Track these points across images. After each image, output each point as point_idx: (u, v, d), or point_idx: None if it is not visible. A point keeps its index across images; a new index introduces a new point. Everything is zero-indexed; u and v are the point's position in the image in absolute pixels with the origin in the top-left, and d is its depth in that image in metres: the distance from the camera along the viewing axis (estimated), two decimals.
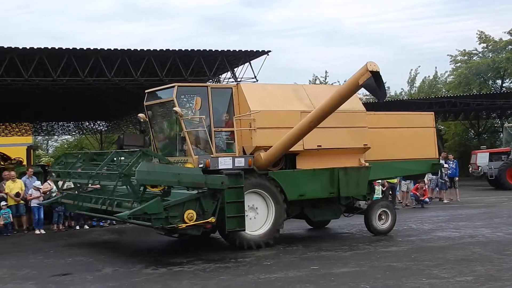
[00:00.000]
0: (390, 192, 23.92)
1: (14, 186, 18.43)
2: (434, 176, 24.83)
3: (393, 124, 16.17)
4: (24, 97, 25.77)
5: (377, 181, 22.63)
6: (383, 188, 23.30)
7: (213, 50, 22.15)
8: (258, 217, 13.90)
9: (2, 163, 26.34)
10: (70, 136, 58.94)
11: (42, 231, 18.01)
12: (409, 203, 24.19)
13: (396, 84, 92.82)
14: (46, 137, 62.09)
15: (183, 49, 21.77)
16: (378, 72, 12.03)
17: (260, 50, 22.73)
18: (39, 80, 21.05)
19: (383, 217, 15.81)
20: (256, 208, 13.88)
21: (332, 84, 49.74)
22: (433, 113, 17.68)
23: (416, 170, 16.99)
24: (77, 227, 18.79)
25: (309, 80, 51.08)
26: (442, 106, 37.11)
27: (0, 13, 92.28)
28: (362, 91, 15.89)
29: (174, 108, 13.36)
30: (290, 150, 13.89)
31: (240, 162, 13.66)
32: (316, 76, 50.85)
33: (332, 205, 15.56)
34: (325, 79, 50.38)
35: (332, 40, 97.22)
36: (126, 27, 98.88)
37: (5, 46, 19.54)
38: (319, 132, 14.00)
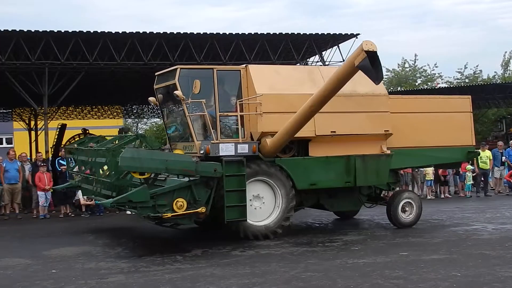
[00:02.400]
0: (482, 178, 23.28)
1: None
2: None
3: (423, 108, 15.08)
4: (116, 80, 26.44)
5: (468, 167, 22.14)
6: (473, 174, 22.69)
7: (301, 33, 22.04)
8: (265, 206, 13.19)
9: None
10: (158, 119, 60.16)
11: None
12: (502, 190, 23.43)
13: (489, 67, 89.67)
14: (136, 120, 63.54)
15: (271, 33, 21.78)
16: (375, 52, 11.03)
17: (349, 33, 22.45)
18: (131, 64, 21.53)
19: (407, 208, 14.74)
20: (262, 197, 13.18)
21: (421, 68, 48.90)
22: (470, 96, 16.05)
23: (449, 159, 15.65)
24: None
25: (398, 64, 50.11)
26: None
27: None
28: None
29: (175, 92, 12.83)
30: (301, 136, 13.17)
31: (244, 148, 12.85)
32: (405, 60, 49.79)
33: (352, 195, 14.64)
34: (415, 62, 49.24)
35: (422, 23, 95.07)
36: (214, 11, 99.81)
37: (99, 31, 20.12)
38: (333, 117, 13.43)
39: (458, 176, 23.29)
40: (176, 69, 13.17)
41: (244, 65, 13.63)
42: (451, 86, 42.91)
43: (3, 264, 11.20)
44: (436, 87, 39.07)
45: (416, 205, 14.82)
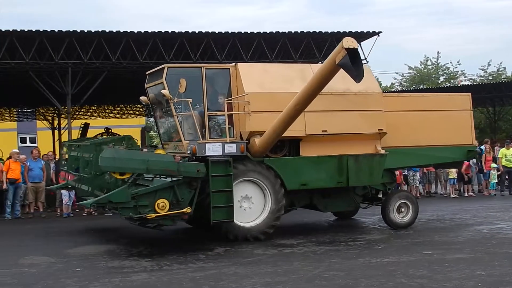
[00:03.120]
0: (507, 177, 23.03)
1: None
2: None
3: (420, 106, 14.71)
4: (138, 80, 26.54)
5: (492, 165, 21.93)
6: (498, 172, 22.47)
7: (323, 31, 21.98)
8: (254, 207, 12.95)
9: None
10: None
11: None
12: None
13: None
14: None
15: (292, 31, 21.74)
16: (356, 49, 10.74)
17: (371, 31, 22.35)
18: (153, 63, 21.60)
19: (402, 209, 14.31)
20: (251, 197, 12.94)
21: (444, 65, 48.55)
22: (470, 94, 15.59)
23: (448, 158, 15.21)
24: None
25: (420, 61, 49.85)
26: None
27: None
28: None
29: (162, 91, 12.66)
30: (291, 135, 12.97)
31: (231, 148, 12.59)
32: (428, 57, 49.47)
33: (346, 195, 14.33)
34: (437, 60, 48.93)
35: (445, 20, 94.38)
36: (235, 10, 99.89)
37: (121, 31, 20.24)
38: (325, 116, 13.17)
39: (482, 175, 23.10)
40: (163, 68, 13.00)
41: (234, 63, 13.46)
42: (474, 83, 42.56)
43: (27, 262, 11.30)
44: (459, 85, 38.77)
45: (412, 206, 14.43)
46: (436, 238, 13.01)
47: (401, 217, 14.31)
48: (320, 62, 23.29)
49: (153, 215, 11.42)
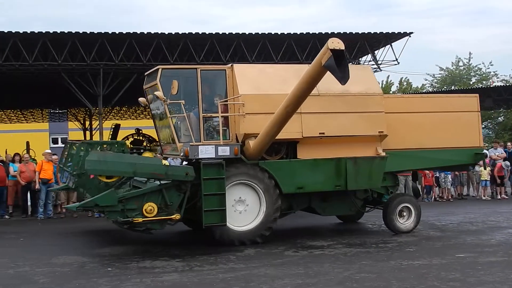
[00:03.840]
0: None
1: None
2: None
3: (425, 108, 14.29)
4: None
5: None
6: None
7: (353, 32, 21.91)
8: (249, 210, 12.69)
9: (148, 145, 27.55)
10: None
11: None
12: None
13: None
14: None
15: (322, 32, 21.69)
16: (342, 50, 10.34)
17: (402, 32, 22.22)
18: (184, 64, 21.69)
19: (404, 213, 13.86)
20: (245, 200, 12.69)
21: (475, 66, 47.98)
22: (477, 95, 15.05)
23: (454, 161, 14.73)
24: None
25: (452, 62, 49.32)
26: None
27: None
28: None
29: (155, 93, 12.43)
30: (288, 138, 12.75)
31: (225, 150, 12.27)
32: (459, 58, 48.96)
33: (346, 198, 13.94)
34: (469, 60, 48.39)
35: (477, 20, 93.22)
36: (264, 11, 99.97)
37: (152, 32, 20.40)
38: (322, 118, 12.89)
39: None
40: (157, 69, 12.84)
41: (230, 64, 13.24)
42: (507, 84, 42.03)
43: (60, 262, 11.41)
44: (491, 86, 38.31)
45: (415, 210, 13.96)
46: (468, 240, 12.86)
47: (403, 222, 13.91)
48: (350, 63, 23.26)
49: (140, 219, 11.39)
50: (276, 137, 12.32)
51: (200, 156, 12.08)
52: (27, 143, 30.24)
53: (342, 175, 13.16)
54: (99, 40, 20.31)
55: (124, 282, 9.59)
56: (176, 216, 11.67)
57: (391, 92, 49.17)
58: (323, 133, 12.99)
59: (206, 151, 12.14)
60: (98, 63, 21.05)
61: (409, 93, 42.11)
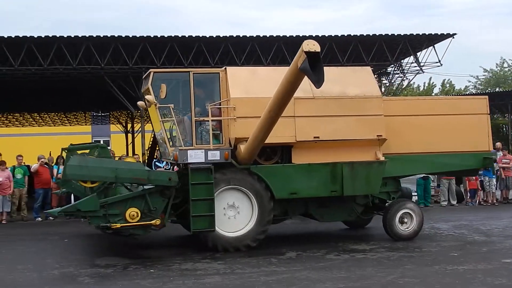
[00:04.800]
0: None
1: None
2: None
3: (429, 111, 13.70)
4: None
5: None
6: None
7: (395, 34, 21.73)
8: (240, 216, 12.43)
9: None
10: None
11: None
12: None
13: None
14: None
15: (364, 34, 21.58)
16: (317, 53, 9.93)
17: (445, 33, 21.95)
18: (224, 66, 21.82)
19: (405, 220, 13.35)
20: (237, 206, 12.44)
21: None
22: (486, 97, 14.45)
23: (461, 165, 14.09)
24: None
25: (496, 64, 48.58)
26: None
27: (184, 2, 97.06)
28: None
29: (146, 97, 12.22)
30: (281, 142, 12.45)
31: (215, 155, 12.10)
32: (504, 59, 48.19)
33: (344, 204, 13.48)
34: None
35: None
36: (304, 14, 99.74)
37: (194, 35, 20.56)
38: (317, 122, 12.48)
39: None
40: (149, 73, 12.69)
41: (224, 67, 13.04)
42: None
43: (103, 263, 11.53)
44: None
45: (417, 217, 13.45)
46: None
47: (404, 228, 13.41)
48: (392, 66, 23.11)
49: (118, 225, 11.36)
50: (270, 142, 12.07)
51: (189, 161, 12.00)
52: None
53: (338, 180, 12.77)
54: (141, 44, 20.54)
55: (167, 284, 9.65)
56: (157, 222, 11.61)
57: (433, 94, 48.65)
58: (318, 137, 12.61)
59: (195, 156, 12.04)
60: (140, 66, 21.26)
61: (452, 95, 41.53)
